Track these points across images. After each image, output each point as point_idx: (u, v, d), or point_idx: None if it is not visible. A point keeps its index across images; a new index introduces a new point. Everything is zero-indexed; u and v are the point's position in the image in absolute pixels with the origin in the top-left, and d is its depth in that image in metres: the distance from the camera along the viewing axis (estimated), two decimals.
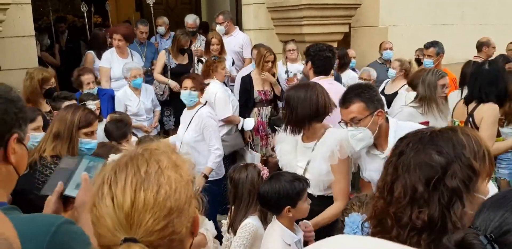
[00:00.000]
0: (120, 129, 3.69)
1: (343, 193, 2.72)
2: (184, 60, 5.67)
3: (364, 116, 2.48)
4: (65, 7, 11.09)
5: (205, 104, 4.16)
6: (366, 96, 2.49)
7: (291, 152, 2.85)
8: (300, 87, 2.82)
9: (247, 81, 5.18)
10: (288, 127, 2.75)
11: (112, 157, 2.23)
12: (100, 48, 5.90)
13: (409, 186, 1.30)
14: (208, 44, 5.68)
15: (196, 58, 5.87)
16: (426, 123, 3.57)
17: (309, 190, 2.57)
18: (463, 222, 1.23)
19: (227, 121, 4.76)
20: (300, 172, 2.73)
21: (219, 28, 6.09)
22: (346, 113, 2.53)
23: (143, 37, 6.21)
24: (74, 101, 3.86)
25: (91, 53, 5.91)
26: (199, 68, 5.67)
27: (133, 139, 3.86)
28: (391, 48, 6.14)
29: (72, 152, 2.58)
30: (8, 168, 1.32)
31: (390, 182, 1.35)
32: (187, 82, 4.02)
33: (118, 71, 5.12)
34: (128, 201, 0.92)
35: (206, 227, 2.70)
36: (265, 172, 2.66)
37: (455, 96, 4.23)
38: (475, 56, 6.34)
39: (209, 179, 4.04)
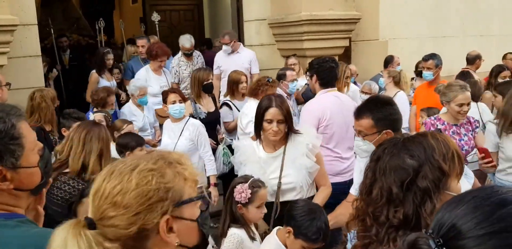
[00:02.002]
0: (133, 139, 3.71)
1: (325, 178, 3.07)
2: (211, 107, 5.06)
3: (371, 133, 2.49)
4: (71, 26, 11.27)
5: (191, 116, 4.36)
6: (379, 114, 2.47)
7: (259, 169, 2.90)
8: (263, 98, 3.07)
9: None
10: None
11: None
12: (100, 65, 6.02)
13: (385, 188, 1.42)
14: (236, 83, 5.07)
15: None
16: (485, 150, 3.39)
17: (288, 198, 2.83)
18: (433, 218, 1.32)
19: None
20: (274, 183, 2.88)
21: (226, 48, 6.04)
22: (356, 125, 2.58)
23: (141, 51, 6.28)
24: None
25: (95, 74, 5.99)
26: None
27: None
28: (398, 64, 6.25)
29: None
30: (9, 192, 1.35)
31: (369, 185, 1.47)
32: (174, 96, 4.13)
33: (156, 88, 5.33)
34: (95, 187, 1.11)
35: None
36: (244, 195, 2.55)
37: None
38: (463, 68, 6.37)
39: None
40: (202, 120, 4.74)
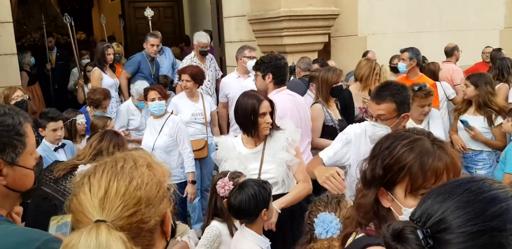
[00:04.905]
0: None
1: (304, 173, 2.94)
2: (337, 113, 4.28)
3: (392, 116, 2.52)
4: (49, 24, 11.11)
5: (172, 113, 4.35)
6: (400, 98, 2.52)
7: (239, 165, 2.93)
8: (242, 95, 3.01)
9: (346, 97, 4.50)
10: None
11: (82, 167, 2.30)
12: (100, 61, 5.86)
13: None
14: None
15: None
16: None
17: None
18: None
19: None
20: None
21: (251, 63, 4.94)
22: (376, 109, 2.56)
23: (153, 51, 6.12)
24: (60, 122, 3.83)
25: (98, 70, 5.78)
26: None
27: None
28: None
29: None
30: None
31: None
32: (153, 94, 4.18)
33: (187, 115, 4.78)
34: (102, 189, 1.04)
35: (189, 235, 2.72)
36: (227, 187, 2.57)
37: None
38: (444, 61, 6.48)
39: (175, 182, 4.15)
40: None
